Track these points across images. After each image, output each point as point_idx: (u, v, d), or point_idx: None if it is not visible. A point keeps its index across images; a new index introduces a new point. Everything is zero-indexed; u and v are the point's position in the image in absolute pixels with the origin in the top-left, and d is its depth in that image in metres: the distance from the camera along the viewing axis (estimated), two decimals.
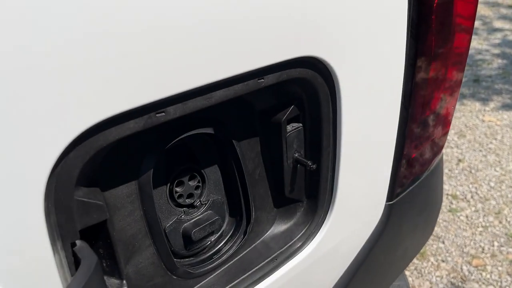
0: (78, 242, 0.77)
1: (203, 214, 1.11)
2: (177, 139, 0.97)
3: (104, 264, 0.89)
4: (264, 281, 1.13)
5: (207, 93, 0.84)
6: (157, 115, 0.78)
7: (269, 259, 1.15)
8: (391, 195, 1.39)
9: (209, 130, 1.03)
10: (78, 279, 0.69)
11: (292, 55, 0.92)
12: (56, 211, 0.71)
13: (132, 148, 0.90)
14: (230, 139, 1.06)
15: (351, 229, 1.33)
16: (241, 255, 1.16)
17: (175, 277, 1.02)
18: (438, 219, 2.62)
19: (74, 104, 0.66)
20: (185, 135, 0.98)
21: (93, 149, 0.72)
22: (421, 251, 3.02)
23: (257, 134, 1.13)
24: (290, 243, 1.20)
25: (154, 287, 0.99)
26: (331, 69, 1.02)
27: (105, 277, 0.91)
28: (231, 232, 1.16)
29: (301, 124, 1.12)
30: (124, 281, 0.90)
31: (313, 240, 1.22)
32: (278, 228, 1.23)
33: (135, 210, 0.92)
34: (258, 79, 0.91)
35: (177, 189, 1.05)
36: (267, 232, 1.21)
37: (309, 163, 1.10)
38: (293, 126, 1.11)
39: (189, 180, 1.07)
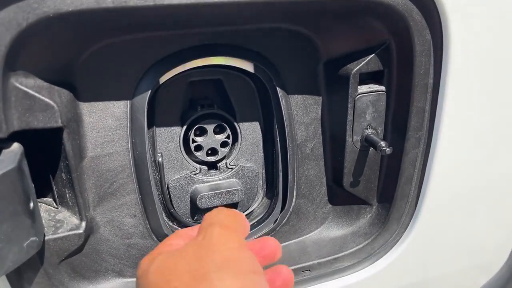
0: (10, 143, 0.59)
1: (224, 180, 0.84)
2: (199, 66, 0.74)
3: (62, 193, 0.70)
4: None
5: None
6: None
7: (298, 266, 0.82)
8: None
9: (250, 68, 0.77)
10: None
11: None
12: None
13: (132, 57, 0.69)
14: (280, 91, 0.78)
15: (447, 266, 0.90)
16: None
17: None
18: None
19: None
20: (211, 61, 0.74)
21: (35, 15, 0.53)
22: None
23: (319, 93, 0.82)
24: (337, 256, 0.85)
25: (129, 248, 0.76)
26: (439, 4, 0.66)
27: (60, 212, 0.71)
28: (261, 216, 0.87)
29: (383, 87, 0.78)
30: (84, 224, 0.69)
31: (372, 264, 0.85)
32: (328, 231, 0.88)
33: (120, 138, 0.71)
34: None
35: (196, 138, 0.81)
36: (310, 231, 0.88)
37: (382, 144, 0.75)
38: (370, 88, 0.77)
39: (217, 132, 0.82)
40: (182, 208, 0.82)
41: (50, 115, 0.60)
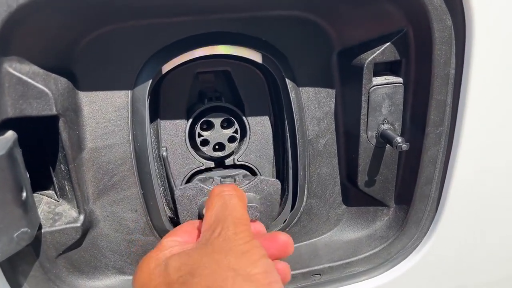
0: (3, 131, 0.57)
1: (232, 178, 0.80)
2: (205, 56, 0.71)
3: (62, 186, 0.68)
4: None
5: None
6: None
7: (308, 270, 0.77)
8: None
9: (257, 58, 0.73)
10: None
11: None
12: None
13: (134, 45, 0.67)
14: (290, 82, 0.74)
15: (472, 276, 0.83)
16: None
17: None
18: None
19: None
20: (216, 50, 0.70)
21: None
22: None
23: (333, 86, 0.77)
24: (350, 261, 0.79)
25: (130, 244, 0.74)
26: None
27: (60, 205, 0.70)
28: None
29: (400, 79, 0.72)
30: (82, 217, 0.67)
31: (389, 271, 0.79)
32: (341, 233, 0.83)
33: (121, 129, 0.69)
34: None
35: (203, 132, 0.78)
36: (322, 233, 0.83)
37: (398, 139, 0.69)
38: (386, 79, 0.72)
39: (224, 126, 0.79)
40: (189, 219, 0.78)
41: (44, 103, 0.58)
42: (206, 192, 0.70)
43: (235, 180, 0.74)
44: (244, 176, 0.79)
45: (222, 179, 0.74)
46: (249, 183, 0.73)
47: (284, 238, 0.60)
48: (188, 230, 0.62)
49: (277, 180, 0.73)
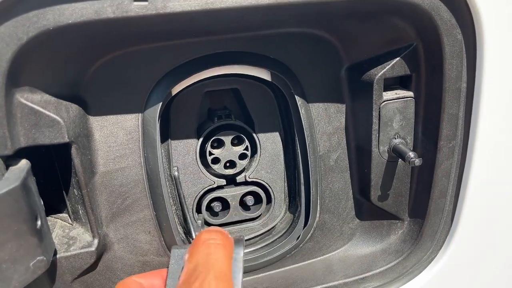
0: (17, 160, 0.58)
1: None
2: (213, 76, 0.71)
3: (76, 209, 0.68)
4: None
5: None
6: (134, 2, 0.53)
7: (322, 286, 0.77)
8: None
9: (266, 76, 0.73)
10: None
11: None
12: None
13: (142, 69, 0.67)
14: (299, 99, 0.73)
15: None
16: (287, 267, 0.81)
17: None
18: None
19: None
20: (224, 70, 0.70)
21: (35, 29, 0.51)
22: None
23: (343, 101, 0.77)
24: (365, 276, 0.79)
25: (144, 265, 0.74)
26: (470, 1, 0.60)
27: (74, 228, 0.70)
28: (283, 231, 0.82)
29: (411, 93, 0.71)
30: (96, 241, 0.67)
31: (405, 285, 0.78)
32: (355, 248, 0.82)
33: (132, 152, 0.69)
34: None
35: (213, 150, 0.78)
36: (336, 248, 0.83)
37: (411, 154, 0.68)
38: (397, 94, 0.71)
39: (235, 144, 0.79)
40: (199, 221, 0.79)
41: (57, 131, 0.58)
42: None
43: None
44: None
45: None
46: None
47: None
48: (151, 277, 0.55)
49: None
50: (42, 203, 0.62)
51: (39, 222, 0.58)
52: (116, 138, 0.68)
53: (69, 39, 0.56)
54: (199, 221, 0.79)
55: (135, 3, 0.53)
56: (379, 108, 0.70)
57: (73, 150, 0.62)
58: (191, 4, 0.54)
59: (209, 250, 0.50)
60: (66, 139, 0.59)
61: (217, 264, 0.49)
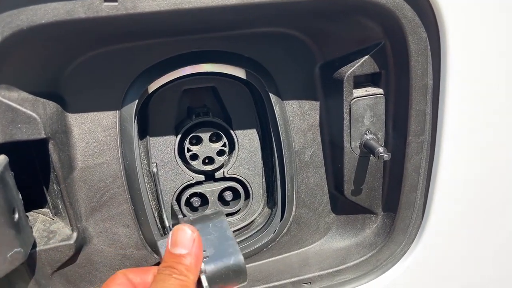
0: None
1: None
2: (190, 74, 0.73)
3: (56, 204, 0.70)
4: None
5: None
6: (105, 2, 0.55)
7: (298, 279, 0.79)
8: None
9: (241, 74, 0.75)
10: None
11: None
12: None
13: (119, 67, 0.69)
14: (273, 97, 0.76)
15: (460, 281, 0.84)
16: (264, 260, 0.83)
17: (157, 256, 0.77)
18: None
19: None
20: (200, 69, 0.73)
21: (9, 29, 0.54)
22: None
23: (317, 98, 0.79)
24: (339, 268, 0.81)
25: (124, 258, 0.76)
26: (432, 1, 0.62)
27: (54, 222, 0.72)
28: (261, 225, 0.84)
29: (381, 90, 0.74)
30: (75, 234, 0.69)
31: (378, 278, 0.80)
32: (331, 242, 0.85)
33: (110, 148, 0.71)
34: None
35: (192, 146, 0.80)
36: (312, 242, 0.85)
37: (380, 149, 0.71)
38: (367, 91, 0.73)
39: (213, 140, 0.81)
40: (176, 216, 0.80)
41: (33, 127, 0.61)
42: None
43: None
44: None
45: (192, 217, 0.73)
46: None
47: None
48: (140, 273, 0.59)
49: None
50: (21, 197, 0.64)
51: (16, 215, 0.61)
52: (94, 135, 0.70)
53: (44, 38, 0.58)
54: (180, 216, 0.80)
55: (105, 3, 0.55)
56: (350, 105, 0.72)
57: (51, 146, 0.64)
58: (160, 5, 0.56)
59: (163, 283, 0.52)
60: (43, 135, 0.61)
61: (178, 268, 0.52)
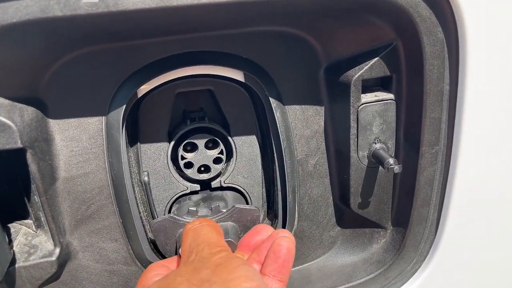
0: None
1: (219, 201, 0.77)
2: (183, 76, 0.67)
3: (38, 217, 0.65)
4: None
5: None
6: None
7: None
8: None
9: (240, 77, 0.69)
10: None
11: None
12: None
13: (105, 70, 0.64)
14: (274, 101, 0.70)
15: None
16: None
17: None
18: None
19: None
20: (194, 71, 0.67)
21: None
22: None
23: (321, 103, 0.73)
24: (343, 287, 0.75)
25: (112, 274, 0.71)
26: None
27: (37, 236, 0.67)
28: None
29: (392, 96, 0.67)
30: (57, 250, 0.64)
31: None
32: (335, 257, 0.79)
33: (96, 157, 0.66)
34: None
35: (186, 154, 0.75)
36: (315, 257, 0.79)
37: (390, 161, 0.64)
38: (377, 96, 0.67)
39: (210, 147, 0.75)
40: (169, 251, 0.73)
41: (8, 136, 0.55)
42: (181, 223, 0.66)
43: (211, 209, 0.70)
44: (224, 202, 0.75)
45: (198, 209, 0.70)
46: (225, 213, 0.68)
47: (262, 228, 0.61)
48: (171, 261, 0.61)
49: (255, 207, 0.68)
50: None
51: None
52: (79, 142, 0.65)
53: (17, 39, 0.52)
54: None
55: (84, 0, 0.49)
56: (357, 111, 0.66)
57: (29, 156, 0.58)
58: (145, 2, 0.50)
59: (196, 231, 0.57)
60: (19, 145, 0.56)
61: (207, 238, 0.55)
